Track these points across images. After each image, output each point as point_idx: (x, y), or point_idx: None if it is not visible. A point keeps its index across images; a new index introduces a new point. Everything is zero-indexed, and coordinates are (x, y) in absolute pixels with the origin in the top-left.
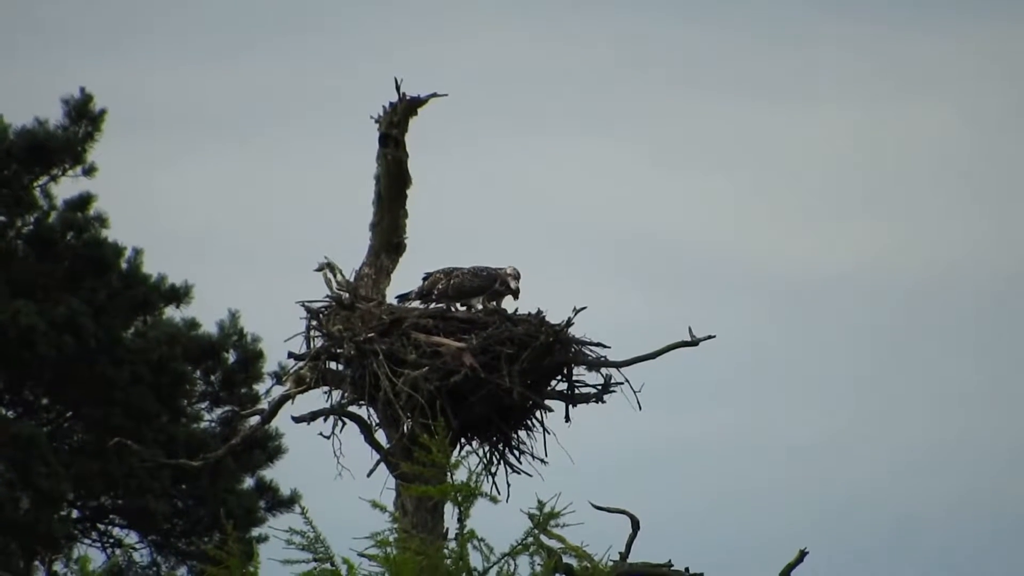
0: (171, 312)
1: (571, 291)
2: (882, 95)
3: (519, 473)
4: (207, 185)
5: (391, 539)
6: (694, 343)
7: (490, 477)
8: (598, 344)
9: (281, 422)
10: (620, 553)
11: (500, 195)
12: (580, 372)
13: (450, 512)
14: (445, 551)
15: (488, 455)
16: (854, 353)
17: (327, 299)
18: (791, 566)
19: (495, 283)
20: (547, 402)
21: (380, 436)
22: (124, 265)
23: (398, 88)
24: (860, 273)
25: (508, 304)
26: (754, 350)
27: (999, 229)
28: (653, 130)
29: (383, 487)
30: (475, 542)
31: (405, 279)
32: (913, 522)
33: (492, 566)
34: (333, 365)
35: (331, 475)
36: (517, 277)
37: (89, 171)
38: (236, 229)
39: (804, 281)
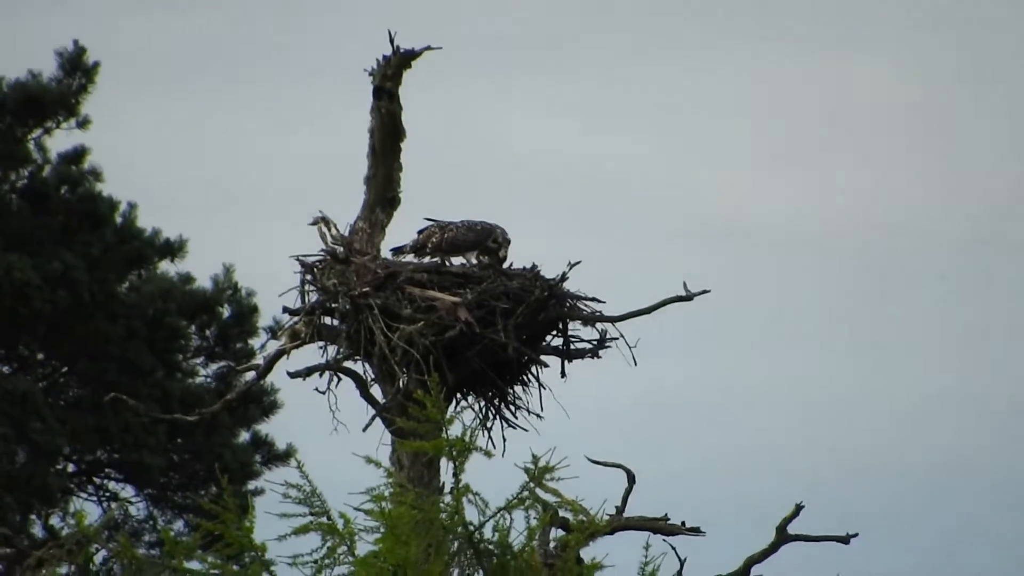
0: (166, 267)
1: (567, 246)
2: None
3: (514, 428)
4: (203, 139)
5: (387, 494)
6: (688, 298)
7: (485, 432)
8: (593, 299)
9: (276, 377)
10: (616, 507)
11: (494, 150)
12: (575, 327)
13: (445, 467)
14: (441, 506)
15: (483, 410)
16: (849, 301)
17: (322, 253)
18: (787, 520)
19: (489, 238)
20: (542, 357)
21: (376, 391)
22: (119, 219)
23: (392, 41)
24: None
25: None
26: (750, 302)
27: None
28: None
29: (379, 442)
30: (470, 497)
31: (400, 233)
32: (912, 476)
33: (488, 520)
34: (328, 320)
35: (327, 430)
36: (507, 243)
37: (83, 124)
38: (231, 184)
39: (794, 230)
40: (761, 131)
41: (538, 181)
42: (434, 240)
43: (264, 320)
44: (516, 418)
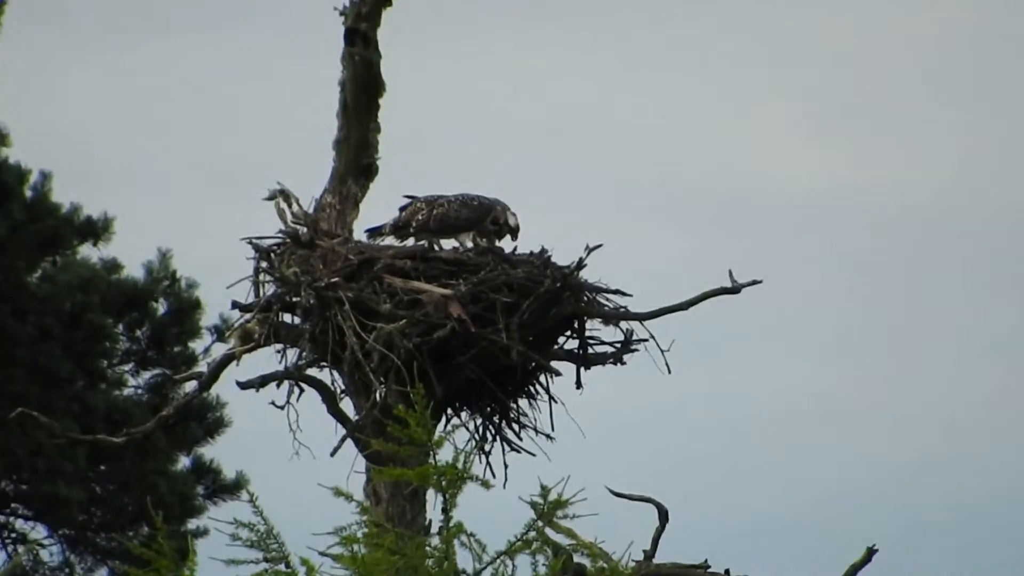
0: (87, 251)
1: (582, 227)
2: None
3: (519, 452)
4: (133, 96)
5: (360, 535)
6: (735, 290)
7: (483, 457)
8: (616, 291)
9: (224, 388)
10: (644, 551)
11: (494, 107)
12: (594, 326)
13: (433, 501)
14: (427, 549)
15: (480, 430)
16: (946, 295)
17: (280, 235)
18: (857, 567)
19: (488, 216)
20: (554, 363)
21: (347, 406)
22: (29, 193)
23: None
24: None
25: (505, 245)
26: (805, 297)
27: None
28: (668, 28)
29: (350, 470)
30: (464, 538)
31: (377, 210)
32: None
33: (485, 567)
34: (288, 317)
35: (286, 455)
36: (511, 223)
37: None
38: (167, 150)
39: (868, 213)
40: (818, 91)
41: (548, 147)
42: (420, 218)
43: (208, 318)
44: (521, 439)
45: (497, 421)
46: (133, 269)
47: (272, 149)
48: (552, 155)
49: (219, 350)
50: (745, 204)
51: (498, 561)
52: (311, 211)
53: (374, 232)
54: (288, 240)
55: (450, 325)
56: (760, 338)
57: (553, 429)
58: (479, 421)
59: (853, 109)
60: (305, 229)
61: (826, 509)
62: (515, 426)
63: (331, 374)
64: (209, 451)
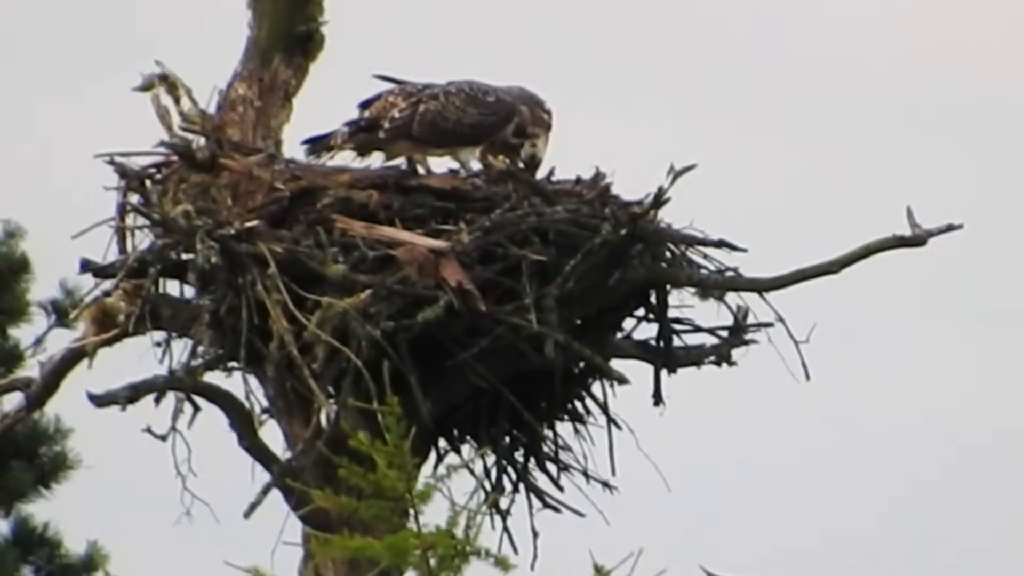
0: None
1: (659, 141)
2: None
3: (557, 510)
4: None
5: None
6: (918, 241)
7: (498, 517)
8: (721, 243)
9: (67, 405)
10: None
11: None
12: (684, 301)
13: None
14: None
15: (495, 473)
16: None
17: (161, 150)
18: None
19: (511, 121)
20: (615, 363)
21: (271, 435)
22: None
23: None
24: None
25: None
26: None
27: None
28: None
29: (277, 540)
30: None
31: (322, 109)
32: None
33: None
34: (175, 288)
35: (170, 515)
36: (544, 129)
37: None
38: None
39: None
40: None
41: (602, 16)
42: (396, 119)
43: (42, 288)
44: (561, 489)
45: (522, 459)
46: None
47: (147, 6)
48: (615, 28)
49: (60, 342)
50: (924, 96)
51: None
52: (212, 110)
53: (318, 144)
54: (175, 158)
55: (444, 299)
56: (961, 321)
57: (614, 473)
58: (492, 459)
59: None
60: (203, 140)
61: None
62: (551, 467)
63: (246, 382)
64: (43, 509)
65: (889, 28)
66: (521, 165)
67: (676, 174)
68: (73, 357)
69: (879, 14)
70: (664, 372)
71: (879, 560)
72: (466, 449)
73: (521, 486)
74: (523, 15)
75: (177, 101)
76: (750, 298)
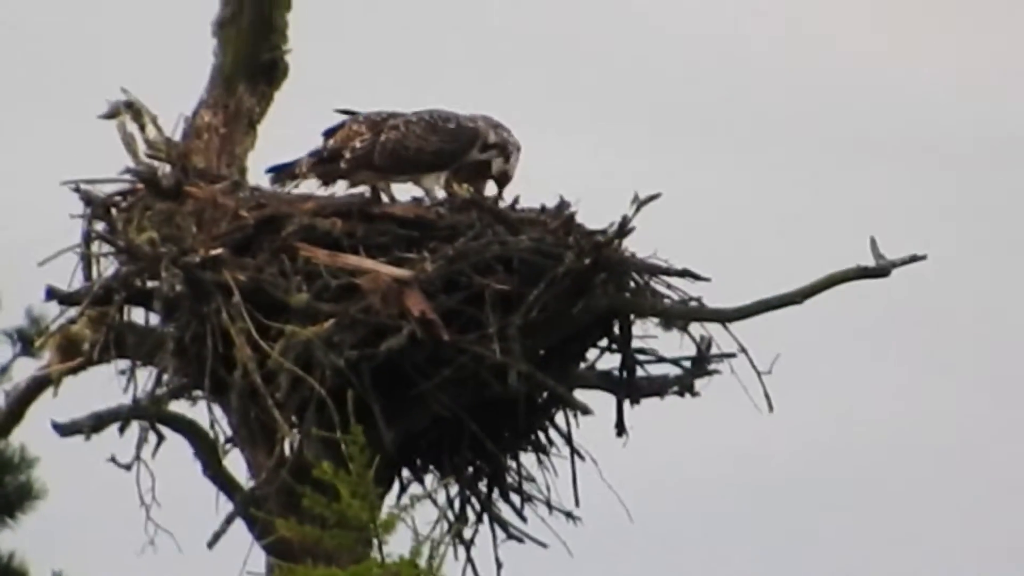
0: None
1: (623, 170)
2: None
3: (520, 541)
4: None
5: None
6: (881, 272)
7: (462, 548)
8: (684, 273)
9: (32, 434)
10: None
11: None
12: (647, 330)
13: None
14: None
15: (459, 503)
16: None
17: (127, 177)
18: None
19: (473, 146)
20: (579, 394)
21: (235, 464)
22: None
23: None
24: None
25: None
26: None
27: None
28: None
29: (241, 569)
30: None
31: (287, 136)
32: None
33: None
34: (140, 316)
35: (134, 545)
36: (513, 149)
37: None
38: None
39: None
40: None
41: (566, 43)
42: (359, 149)
43: (7, 316)
44: (524, 519)
45: (485, 489)
46: None
47: (114, 35)
48: (578, 56)
49: (24, 370)
50: (880, 131)
51: None
52: (178, 137)
53: (282, 172)
54: (140, 186)
55: (407, 329)
56: (921, 349)
57: (578, 504)
58: (455, 489)
59: None
60: (168, 167)
61: None
62: (515, 498)
63: (210, 411)
64: (7, 539)
65: (856, 63)
66: (493, 178)
67: (640, 203)
68: (38, 386)
69: (846, 48)
70: (627, 402)
71: None
72: (429, 479)
73: (485, 516)
74: (487, 45)
75: (143, 128)
76: (713, 328)
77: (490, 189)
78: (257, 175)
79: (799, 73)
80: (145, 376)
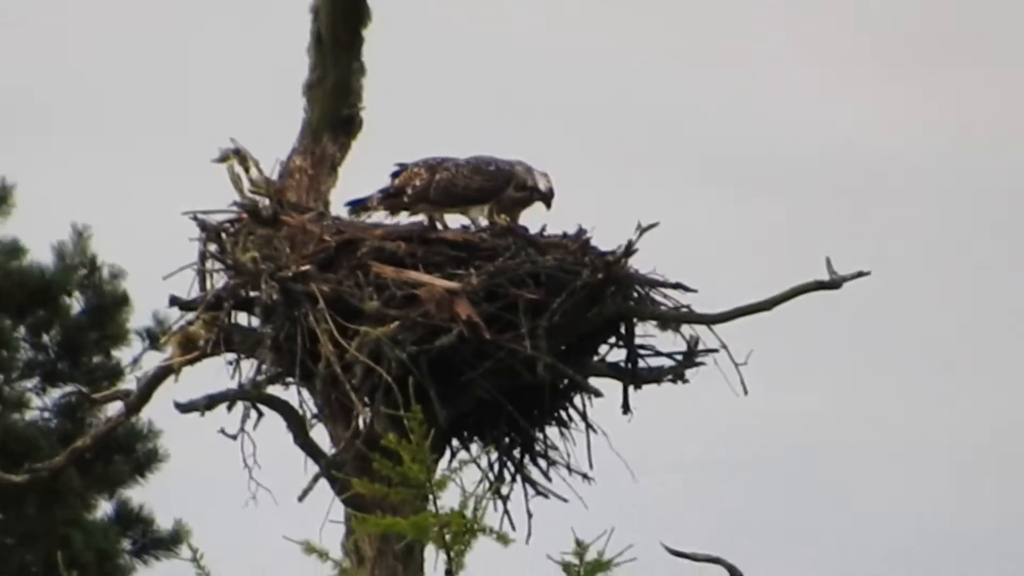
0: None
1: (629, 202)
2: None
3: (546, 496)
4: (36, 24)
5: None
6: (834, 285)
7: (500, 502)
8: (677, 286)
9: (158, 412)
10: None
11: (517, 45)
12: (648, 331)
13: (434, 559)
14: None
15: (497, 467)
16: None
17: (234, 209)
18: None
19: (509, 185)
20: (593, 381)
21: (320, 435)
22: None
23: None
24: None
25: (532, 217)
26: (928, 293)
27: None
28: None
29: (325, 519)
30: None
31: (361, 176)
32: None
33: None
34: (243, 319)
35: (240, 499)
36: (543, 190)
37: None
38: (86, 94)
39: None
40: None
41: (584, 99)
42: (418, 186)
43: (139, 318)
44: (550, 480)
45: (518, 456)
46: (39, 253)
47: (224, 95)
48: (596, 109)
49: (152, 361)
50: (848, 165)
51: None
52: (275, 177)
53: (357, 205)
54: (244, 215)
55: (457, 329)
56: (867, 348)
57: (592, 467)
58: (495, 456)
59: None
60: (267, 201)
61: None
62: (542, 462)
63: (299, 393)
64: (138, 494)
65: (820, 97)
66: (543, 191)
67: (642, 230)
68: (162, 373)
69: (811, 80)
70: (631, 388)
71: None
72: (474, 448)
73: (518, 477)
74: (520, 100)
75: (247, 170)
76: (700, 329)
77: (530, 214)
78: (338, 208)
79: (764, 128)
80: (248, 366)
